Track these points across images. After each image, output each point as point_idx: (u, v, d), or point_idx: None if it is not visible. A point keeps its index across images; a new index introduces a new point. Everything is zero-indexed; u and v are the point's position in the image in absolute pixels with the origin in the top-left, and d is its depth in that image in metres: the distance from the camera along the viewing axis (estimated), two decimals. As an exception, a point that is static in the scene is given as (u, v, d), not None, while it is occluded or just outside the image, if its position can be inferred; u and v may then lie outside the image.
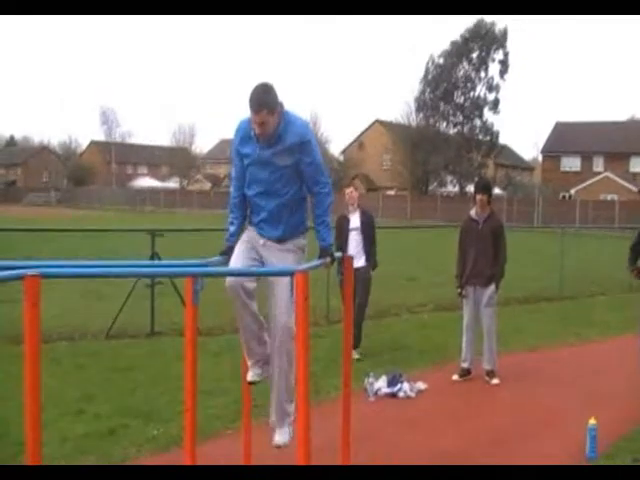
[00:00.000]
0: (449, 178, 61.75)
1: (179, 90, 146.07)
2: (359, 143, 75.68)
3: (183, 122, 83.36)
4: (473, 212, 8.47)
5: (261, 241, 4.52)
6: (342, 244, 8.91)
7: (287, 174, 4.40)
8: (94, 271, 3.58)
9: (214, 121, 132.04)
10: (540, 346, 10.14)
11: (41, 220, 39.39)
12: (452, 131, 60.76)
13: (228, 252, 4.47)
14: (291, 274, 3.66)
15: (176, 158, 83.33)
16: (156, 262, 3.98)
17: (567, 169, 63.65)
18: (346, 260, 4.83)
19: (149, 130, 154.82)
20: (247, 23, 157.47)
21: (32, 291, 3.07)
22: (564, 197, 57.84)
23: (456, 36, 59.99)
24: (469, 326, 8.44)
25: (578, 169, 62.86)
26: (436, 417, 7.03)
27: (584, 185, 56.96)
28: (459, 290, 8.46)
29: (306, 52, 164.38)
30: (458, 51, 59.20)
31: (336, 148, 77.23)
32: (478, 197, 8.35)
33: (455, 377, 8.32)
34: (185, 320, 4.11)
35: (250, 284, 4.46)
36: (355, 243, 9.08)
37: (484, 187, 8.54)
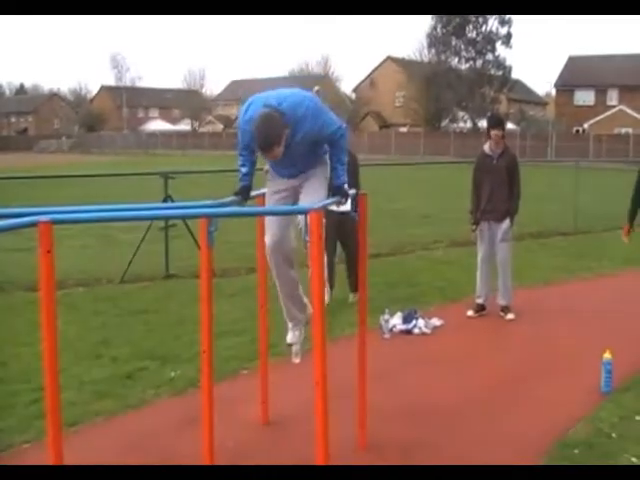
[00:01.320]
0: (461, 114, 61.15)
1: (189, 32, 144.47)
2: (371, 80, 74.89)
3: (193, 64, 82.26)
4: (487, 147, 8.36)
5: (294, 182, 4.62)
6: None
7: (305, 150, 4.41)
8: (105, 215, 3.57)
9: (224, 62, 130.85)
10: (554, 280, 10.11)
11: (53, 167, 39.49)
12: (464, 66, 59.99)
13: (242, 192, 4.42)
14: (305, 212, 3.63)
15: (187, 100, 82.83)
16: (169, 204, 3.91)
17: (581, 103, 62.85)
18: (362, 198, 4.77)
19: (159, 74, 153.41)
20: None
21: (45, 238, 3.07)
22: (577, 131, 57.24)
23: (467, -31, 58.77)
24: (484, 261, 8.41)
25: (592, 103, 62.07)
26: (451, 354, 7.04)
27: (598, 119, 56.32)
28: (474, 226, 8.41)
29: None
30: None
31: (348, 86, 76.62)
32: (493, 132, 8.23)
33: (470, 313, 8.32)
34: (200, 262, 4.09)
35: (288, 246, 4.57)
36: None
37: (498, 122, 8.41)
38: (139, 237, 10.39)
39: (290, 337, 4.89)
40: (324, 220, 8.44)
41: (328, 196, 4.57)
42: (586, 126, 56.47)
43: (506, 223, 8.21)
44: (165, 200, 10.35)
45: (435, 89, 57.86)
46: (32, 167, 38.22)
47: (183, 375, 6.24)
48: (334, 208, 8.35)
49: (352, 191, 4.69)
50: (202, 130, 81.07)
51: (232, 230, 11.49)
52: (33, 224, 3.08)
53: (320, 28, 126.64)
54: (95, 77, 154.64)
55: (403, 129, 64.81)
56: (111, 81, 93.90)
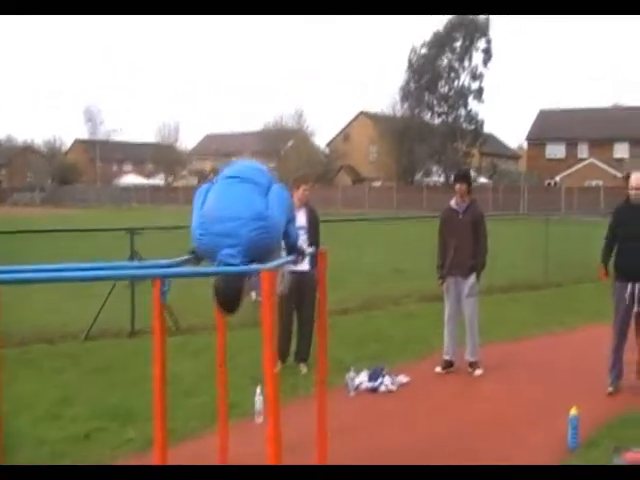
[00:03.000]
0: (435, 168, 61.75)
1: (163, 87, 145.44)
2: (344, 135, 75.65)
3: (167, 119, 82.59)
4: (453, 202, 8.38)
5: None
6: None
7: None
8: (47, 276, 3.47)
9: (198, 116, 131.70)
10: (524, 335, 10.07)
11: (23, 220, 39.17)
12: (437, 121, 60.70)
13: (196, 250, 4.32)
14: (257, 272, 3.54)
15: (161, 154, 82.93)
16: (120, 264, 3.82)
17: (552, 156, 63.76)
18: (320, 255, 4.72)
19: (134, 127, 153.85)
20: (228, 18, 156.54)
21: None
22: (549, 184, 57.94)
23: (438, 26, 59.88)
24: (451, 317, 8.37)
25: (563, 156, 62.99)
26: (416, 410, 6.95)
27: (569, 172, 57.03)
28: (440, 281, 8.39)
29: (289, 45, 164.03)
30: (441, 41, 59.10)
31: (322, 140, 77.24)
32: (457, 186, 8.28)
33: (438, 369, 8.24)
34: (153, 322, 4.02)
35: None
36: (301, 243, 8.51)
37: (462, 176, 8.45)
38: (106, 290, 10.22)
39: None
40: (281, 280, 8.32)
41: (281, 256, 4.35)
42: (558, 179, 57.16)
43: (472, 278, 8.19)
44: (131, 257, 10.23)
45: (408, 143, 58.47)
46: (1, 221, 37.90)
47: (143, 434, 6.08)
48: (292, 268, 8.29)
49: (310, 249, 4.62)
50: (176, 184, 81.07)
51: (197, 284, 11.31)
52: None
53: (294, 83, 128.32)
54: (70, 130, 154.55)
55: (376, 183, 65.23)
56: (85, 134, 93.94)
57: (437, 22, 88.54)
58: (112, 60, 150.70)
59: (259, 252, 3.71)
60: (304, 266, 8.28)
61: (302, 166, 62.58)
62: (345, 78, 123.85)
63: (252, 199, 3.79)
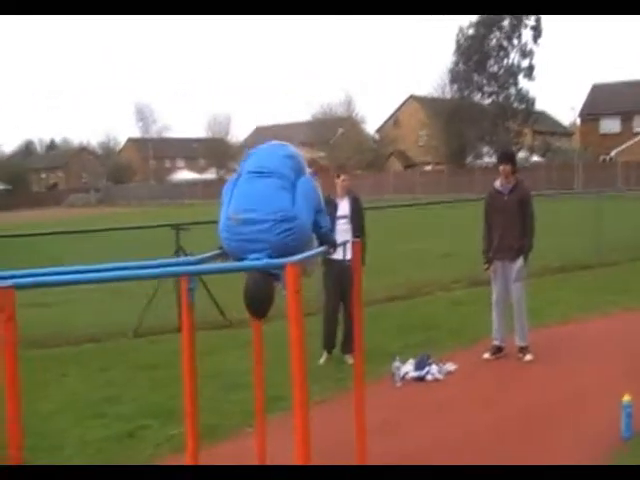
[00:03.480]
0: (486, 149, 60.80)
1: (213, 80, 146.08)
2: (394, 120, 75.03)
3: (218, 112, 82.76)
4: (498, 183, 8.17)
5: None
6: None
7: None
8: (73, 278, 3.38)
9: (250, 109, 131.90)
10: (576, 317, 9.77)
11: (76, 221, 39.80)
12: (487, 101, 59.80)
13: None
14: (282, 266, 3.39)
15: (212, 149, 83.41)
16: (147, 263, 3.73)
17: (606, 131, 62.22)
18: (355, 245, 4.54)
19: (185, 123, 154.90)
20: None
21: (7, 304, 2.90)
22: (604, 160, 56.65)
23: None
24: (498, 302, 8.15)
25: (618, 130, 61.43)
26: (464, 400, 6.76)
27: (625, 146, 55.67)
28: (486, 265, 8.18)
29: (338, 31, 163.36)
30: (489, 20, 58.05)
31: (372, 126, 76.58)
32: (501, 167, 8.07)
33: (486, 355, 8.02)
34: (182, 320, 3.93)
35: None
36: (343, 234, 7.97)
37: (505, 156, 8.23)
38: (149, 286, 10.22)
39: None
40: (325, 270, 8.18)
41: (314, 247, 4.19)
42: (613, 154, 55.85)
43: (519, 262, 7.95)
44: (177, 252, 10.25)
45: (458, 125, 57.64)
46: (55, 222, 38.58)
47: (185, 432, 6.02)
48: (336, 256, 8.16)
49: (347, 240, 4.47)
50: (228, 178, 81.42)
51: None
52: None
53: (342, 70, 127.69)
54: (123, 129, 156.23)
55: (427, 167, 64.63)
56: (138, 133, 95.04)
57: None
58: (160, 57, 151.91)
59: (288, 252, 3.60)
60: (347, 255, 8.18)
61: (352, 154, 62.38)
62: (393, 63, 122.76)
63: (277, 197, 3.68)
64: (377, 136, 75.46)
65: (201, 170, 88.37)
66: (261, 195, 3.69)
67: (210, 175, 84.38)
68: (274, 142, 4.14)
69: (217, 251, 3.96)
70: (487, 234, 8.15)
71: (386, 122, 76.28)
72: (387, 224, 21.17)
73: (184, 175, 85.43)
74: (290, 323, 3.35)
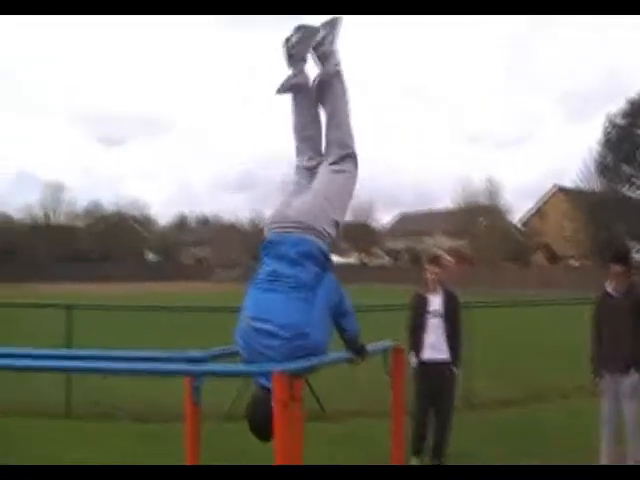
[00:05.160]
0: (635, 245, 57.96)
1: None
2: (539, 211, 73.20)
3: (362, 197, 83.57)
4: (609, 285, 7.41)
5: None
6: (417, 331, 7.76)
7: None
8: (61, 365, 3.24)
9: (394, 194, 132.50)
10: None
11: (213, 297, 40.50)
12: (637, 193, 57.31)
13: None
14: (268, 373, 3.00)
15: (355, 233, 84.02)
16: (153, 354, 3.43)
17: None
18: (397, 353, 4.04)
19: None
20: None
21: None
22: None
23: (632, 94, 56.99)
24: (609, 421, 7.24)
25: None
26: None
27: None
28: (593, 376, 7.36)
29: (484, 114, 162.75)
30: (637, 108, 56.03)
31: (516, 217, 74.86)
32: (612, 268, 7.31)
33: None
34: (187, 421, 3.53)
35: None
36: (435, 331, 7.67)
37: (617, 256, 7.48)
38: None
39: None
40: (415, 370, 7.63)
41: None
42: None
43: (633, 376, 7.06)
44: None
45: (606, 219, 55.37)
46: (199, 296, 39.41)
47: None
48: (428, 356, 7.62)
49: (372, 347, 3.97)
50: (370, 263, 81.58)
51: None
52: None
53: (487, 159, 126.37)
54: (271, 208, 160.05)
55: (574, 262, 62.24)
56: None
57: (630, 90, 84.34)
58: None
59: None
60: (442, 355, 7.62)
61: (495, 244, 61.10)
62: (539, 153, 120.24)
63: (292, 309, 3.50)
64: (521, 227, 73.74)
65: (342, 253, 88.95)
66: (276, 306, 3.52)
67: (351, 259, 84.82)
68: (295, 235, 3.77)
69: (231, 348, 3.76)
70: (596, 341, 7.35)
71: (530, 213, 74.55)
72: (518, 318, 20.25)
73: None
74: (276, 436, 2.91)
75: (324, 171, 4.06)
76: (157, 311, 14.64)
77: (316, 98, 4.20)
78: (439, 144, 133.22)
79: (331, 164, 4.08)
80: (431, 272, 7.79)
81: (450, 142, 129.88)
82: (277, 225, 3.82)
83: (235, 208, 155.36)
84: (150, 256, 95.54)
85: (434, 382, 7.58)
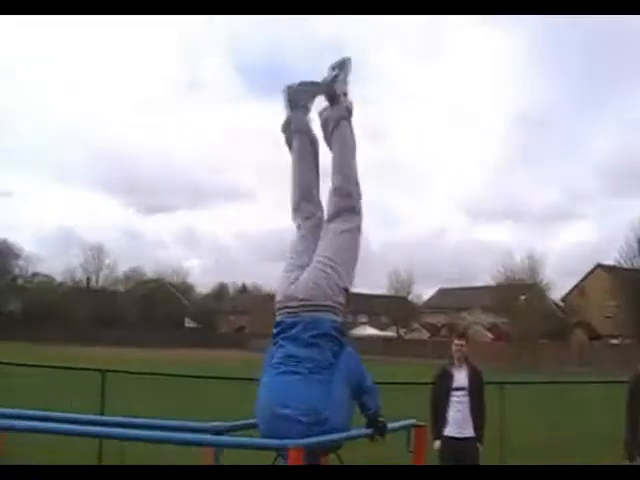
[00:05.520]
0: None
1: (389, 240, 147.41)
2: (580, 289, 72.32)
3: (400, 270, 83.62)
4: (641, 367, 7.31)
5: None
6: (439, 407, 7.70)
7: None
8: (55, 427, 3.35)
9: (433, 268, 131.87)
10: None
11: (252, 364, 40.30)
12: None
13: None
14: (282, 448, 3.05)
15: (394, 307, 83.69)
16: (178, 424, 3.50)
17: None
18: (419, 432, 4.01)
19: (368, 278, 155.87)
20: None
21: None
22: None
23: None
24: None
25: None
26: None
27: None
28: (628, 461, 7.19)
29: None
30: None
31: (557, 294, 73.92)
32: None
33: None
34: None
35: None
36: (460, 407, 7.63)
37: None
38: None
39: None
40: (440, 448, 7.54)
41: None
42: None
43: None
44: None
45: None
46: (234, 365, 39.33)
47: None
48: (452, 433, 7.54)
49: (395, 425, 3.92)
50: (408, 337, 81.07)
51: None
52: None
53: (526, 236, 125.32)
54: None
55: (614, 341, 61.09)
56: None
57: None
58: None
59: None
60: (467, 432, 7.54)
61: (535, 321, 60.26)
62: (580, 231, 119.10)
63: (310, 392, 3.45)
64: (562, 304, 72.84)
65: (382, 326, 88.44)
66: (294, 390, 3.47)
67: (390, 332, 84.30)
68: (306, 316, 3.68)
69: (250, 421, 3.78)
70: (630, 425, 7.20)
71: (572, 290, 73.67)
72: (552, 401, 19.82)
73: (366, 330, 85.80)
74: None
75: (327, 234, 3.87)
76: (190, 378, 14.71)
77: (323, 138, 4.10)
78: (480, 217, 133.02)
79: (332, 221, 3.90)
80: (457, 346, 7.78)
81: (491, 217, 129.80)
82: (286, 309, 3.72)
83: (273, 277, 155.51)
84: (189, 323, 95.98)
85: (459, 459, 7.49)
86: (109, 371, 12.10)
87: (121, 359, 35.75)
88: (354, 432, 3.71)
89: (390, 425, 3.83)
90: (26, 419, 3.43)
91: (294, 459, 2.91)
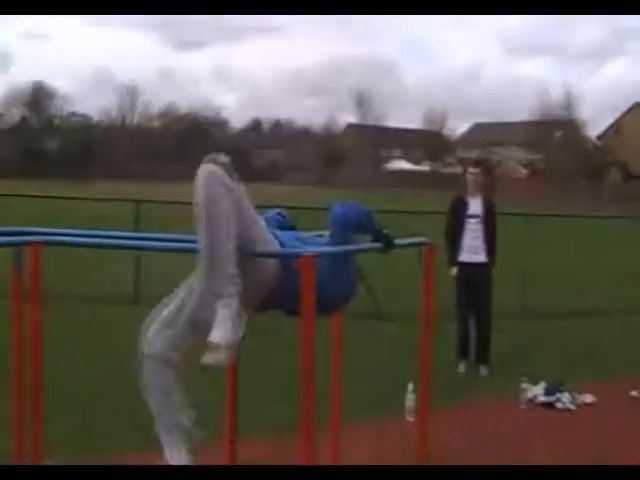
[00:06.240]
0: None
1: (428, 72, 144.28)
2: (616, 128, 70.79)
3: (435, 105, 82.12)
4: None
5: None
6: (455, 233, 7.94)
7: None
8: (96, 241, 3.65)
9: (467, 104, 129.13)
10: None
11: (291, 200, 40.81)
12: None
13: None
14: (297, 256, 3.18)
15: (427, 141, 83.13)
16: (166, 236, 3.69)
17: None
18: (428, 249, 3.91)
19: (401, 113, 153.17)
20: None
21: (34, 258, 3.16)
22: None
23: None
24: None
25: None
26: (587, 436, 6.08)
27: None
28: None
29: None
30: None
31: (592, 131, 72.36)
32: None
33: (634, 393, 7.17)
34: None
35: None
36: (474, 234, 7.87)
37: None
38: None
39: None
40: (458, 274, 7.84)
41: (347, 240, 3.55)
42: None
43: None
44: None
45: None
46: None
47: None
48: (466, 259, 7.83)
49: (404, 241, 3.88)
50: (442, 171, 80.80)
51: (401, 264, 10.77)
52: (22, 244, 3.27)
53: (564, 70, 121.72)
54: (343, 114, 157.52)
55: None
56: (356, 119, 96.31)
57: None
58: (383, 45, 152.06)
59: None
60: (479, 257, 7.83)
61: (570, 159, 59.63)
62: (620, 66, 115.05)
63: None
64: (598, 142, 71.58)
65: (416, 161, 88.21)
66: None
67: (424, 167, 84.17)
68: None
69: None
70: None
71: (608, 129, 72.19)
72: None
73: (400, 164, 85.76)
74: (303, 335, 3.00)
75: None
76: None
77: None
78: (518, 53, 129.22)
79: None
80: (472, 175, 7.93)
81: (529, 51, 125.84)
82: None
83: (309, 112, 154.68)
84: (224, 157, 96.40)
85: (472, 283, 7.87)
86: (143, 201, 12.61)
87: (158, 192, 36.32)
88: (364, 245, 3.65)
89: (399, 241, 3.72)
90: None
91: (305, 267, 3.01)
